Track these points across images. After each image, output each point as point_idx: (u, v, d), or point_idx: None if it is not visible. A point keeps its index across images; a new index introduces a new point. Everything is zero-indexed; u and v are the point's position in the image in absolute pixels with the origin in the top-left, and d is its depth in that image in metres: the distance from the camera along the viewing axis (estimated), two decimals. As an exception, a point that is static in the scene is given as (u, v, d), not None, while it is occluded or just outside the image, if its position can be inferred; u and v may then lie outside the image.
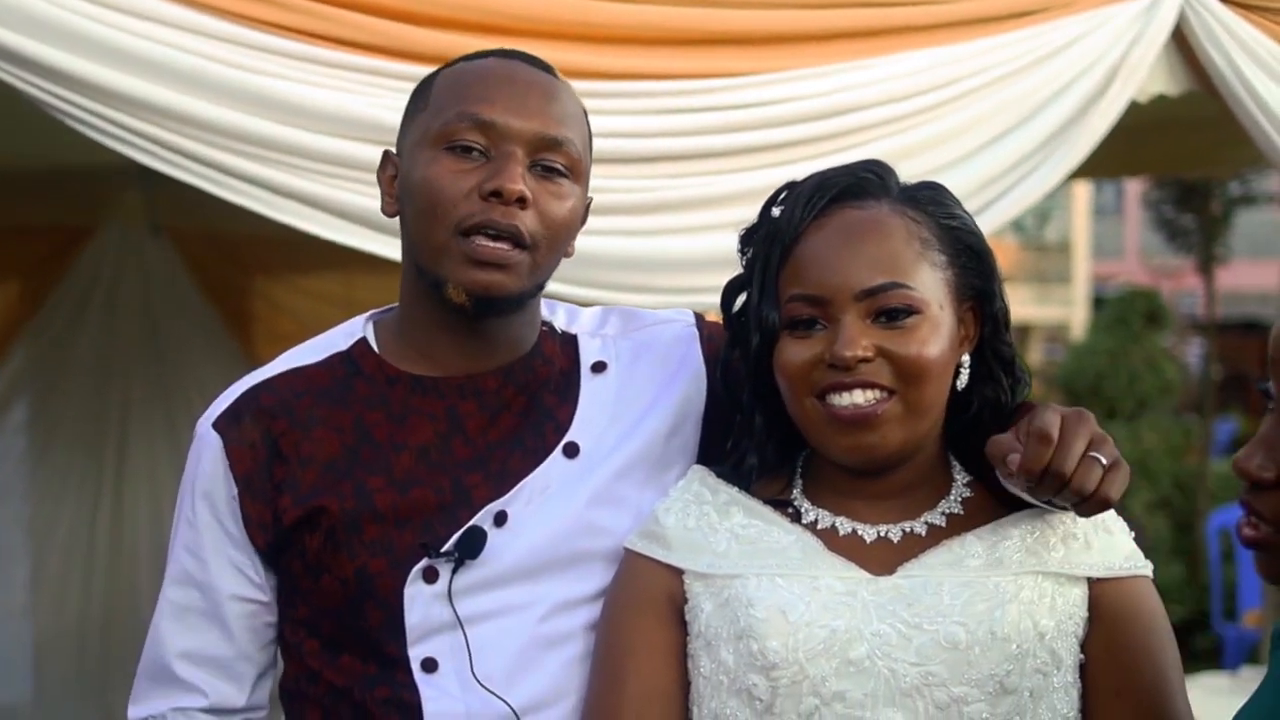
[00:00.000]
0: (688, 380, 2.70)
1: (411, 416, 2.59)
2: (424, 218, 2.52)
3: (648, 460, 2.64)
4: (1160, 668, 2.45)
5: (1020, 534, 2.44)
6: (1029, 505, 2.44)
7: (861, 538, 2.45)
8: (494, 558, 2.53)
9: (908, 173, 2.57)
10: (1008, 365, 2.53)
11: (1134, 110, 4.79)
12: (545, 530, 2.55)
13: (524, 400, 2.62)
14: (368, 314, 2.73)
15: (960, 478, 2.53)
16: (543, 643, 2.54)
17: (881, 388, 2.37)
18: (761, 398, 2.51)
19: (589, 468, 2.60)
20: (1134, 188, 25.56)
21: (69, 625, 7.43)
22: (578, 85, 3.43)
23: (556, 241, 2.56)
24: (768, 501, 2.51)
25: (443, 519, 2.53)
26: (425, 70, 2.80)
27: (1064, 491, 2.30)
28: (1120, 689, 2.43)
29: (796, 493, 2.52)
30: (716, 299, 2.61)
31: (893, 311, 2.38)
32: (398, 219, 2.65)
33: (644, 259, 3.91)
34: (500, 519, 2.54)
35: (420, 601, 2.52)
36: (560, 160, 2.55)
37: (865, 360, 2.36)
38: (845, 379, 2.36)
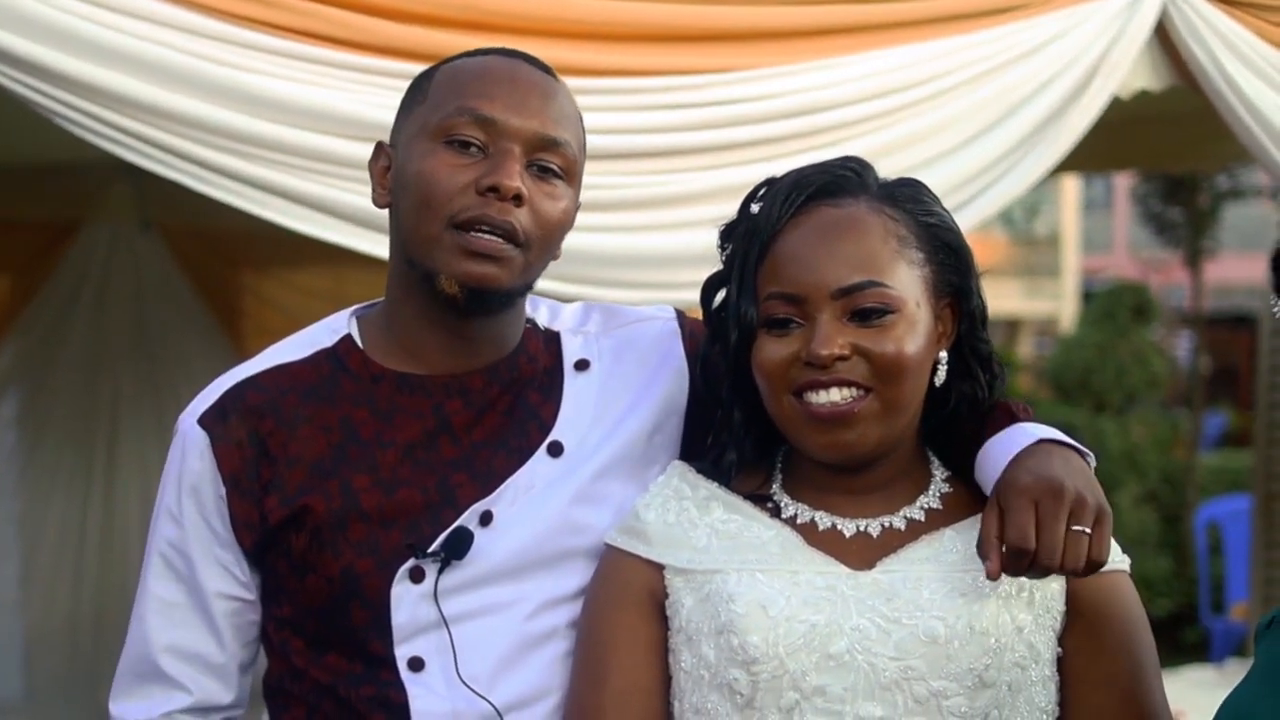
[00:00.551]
0: (670, 377, 2.71)
1: (398, 414, 2.59)
2: (419, 210, 2.52)
3: (630, 458, 2.65)
4: (1137, 661, 2.47)
5: None
6: None
7: (841, 533, 2.47)
8: (480, 557, 2.54)
9: (888, 169, 2.58)
10: (985, 361, 2.54)
11: (1120, 105, 4.79)
12: (530, 529, 2.56)
13: (509, 399, 2.63)
14: (351, 309, 2.72)
15: (938, 473, 2.54)
16: (528, 640, 2.55)
17: (858, 385, 2.38)
18: (740, 393, 2.52)
19: (573, 466, 2.61)
20: (1123, 182, 25.53)
21: (60, 621, 7.43)
22: (557, 82, 3.43)
23: (548, 241, 2.57)
24: (747, 496, 2.52)
25: (428, 518, 2.54)
26: (412, 67, 2.82)
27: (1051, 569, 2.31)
28: (1098, 682, 2.45)
29: (776, 487, 2.53)
30: (696, 295, 2.62)
31: (869, 310, 2.39)
32: (387, 212, 2.66)
33: (625, 255, 3.92)
34: (486, 519, 2.55)
35: (407, 601, 2.53)
36: (556, 161, 2.55)
37: (842, 358, 2.37)
38: (822, 377, 2.37)
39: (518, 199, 2.49)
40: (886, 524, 2.48)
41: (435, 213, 2.50)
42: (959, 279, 2.50)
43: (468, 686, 2.50)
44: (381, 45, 3.63)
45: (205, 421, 2.60)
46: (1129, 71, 4.61)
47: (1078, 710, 2.46)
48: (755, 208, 2.50)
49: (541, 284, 2.71)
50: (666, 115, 3.99)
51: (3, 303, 7.43)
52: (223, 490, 2.58)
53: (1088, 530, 2.30)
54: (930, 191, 2.56)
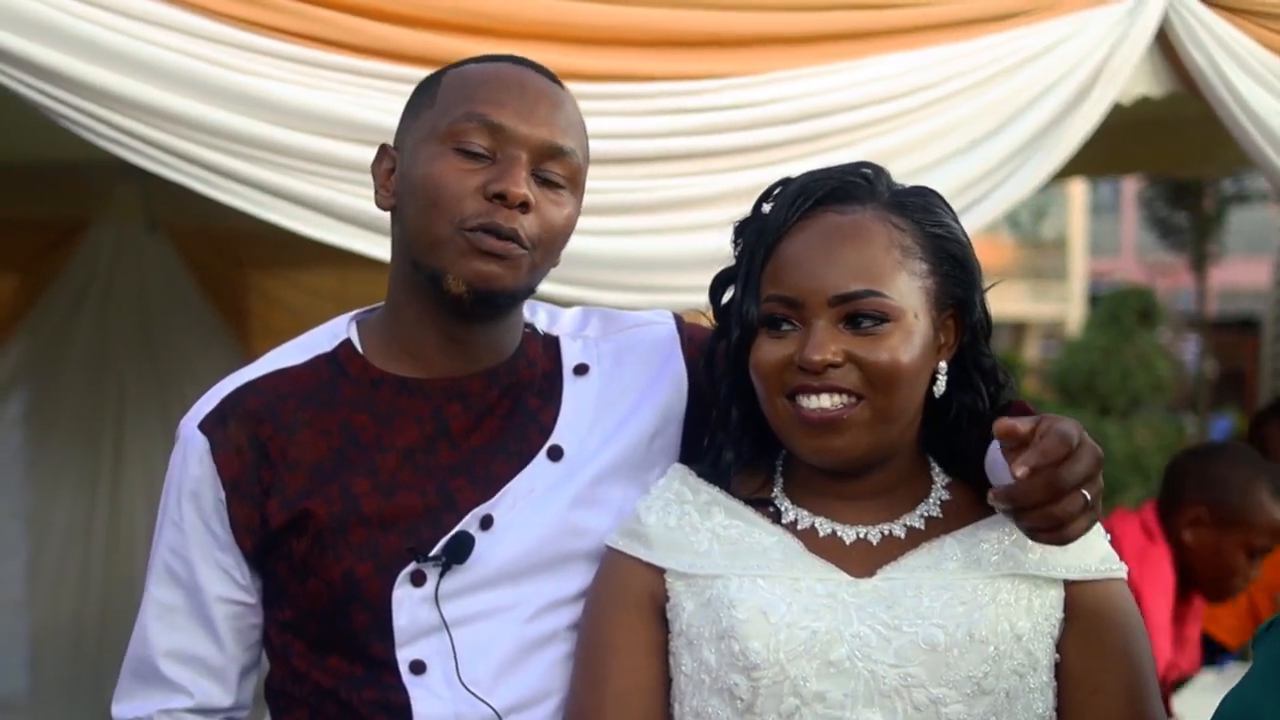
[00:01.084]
0: (669, 383, 2.72)
1: (397, 418, 2.60)
2: (426, 213, 2.53)
3: (630, 462, 2.66)
4: (1134, 668, 2.48)
5: (997, 537, 2.47)
6: None
7: (841, 539, 2.48)
8: (480, 561, 2.55)
9: (892, 174, 2.58)
10: (987, 373, 2.54)
11: (1123, 110, 4.80)
12: (530, 533, 2.57)
13: (508, 403, 2.64)
14: (351, 314, 2.74)
15: (939, 480, 2.55)
16: (529, 643, 2.57)
17: (849, 393, 2.39)
18: (739, 391, 2.53)
19: (572, 470, 2.62)
20: (1131, 186, 25.55)
21: (65, 618, 7.43)
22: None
23: (553, 247, 2.59)
24: (748, 500, 2.53)
25: (429, 522, 2.55)
26: (414, 71, 2.82)
27: (1042, 509, 2.31)
28: (1095, 689, 2.46)
29: (777, 491, 2.54)
30: (702, 298, 2.64)
31: (865, 318, 2.40)
32: (389, 215, 2.67)
33: (628, 258, 3.92)
34: (486, 523, 2.56)
35: (408, 604, 2.54)
36: (562, 170, 2.57)
37: (834, 365, 2.38)
38: (813, 382, 2.39)
39: (524, 206, 2.50)
40: (886, 531, 2.49)
41: (444, 216, 2.51)
42: (963, 291, 2.50)
43: (468, 690, 2.51)
44: (384, 50, 3.63)
45: (205, 426, 2.61)
46: (1130, 77, 4.60)
47: (1075, 716, 2.47)
48: (766, 207, 2.52)
49: (544, 287, 2.72)
50: (671, 120, 3.99)
51: (9, 302, 7.44)
52: (222, 494, 2.59)
53: (1089, 499, 2.32)
54: (943, 202, 2.56)
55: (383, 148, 2.68)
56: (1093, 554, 2.49)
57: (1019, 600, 2.43)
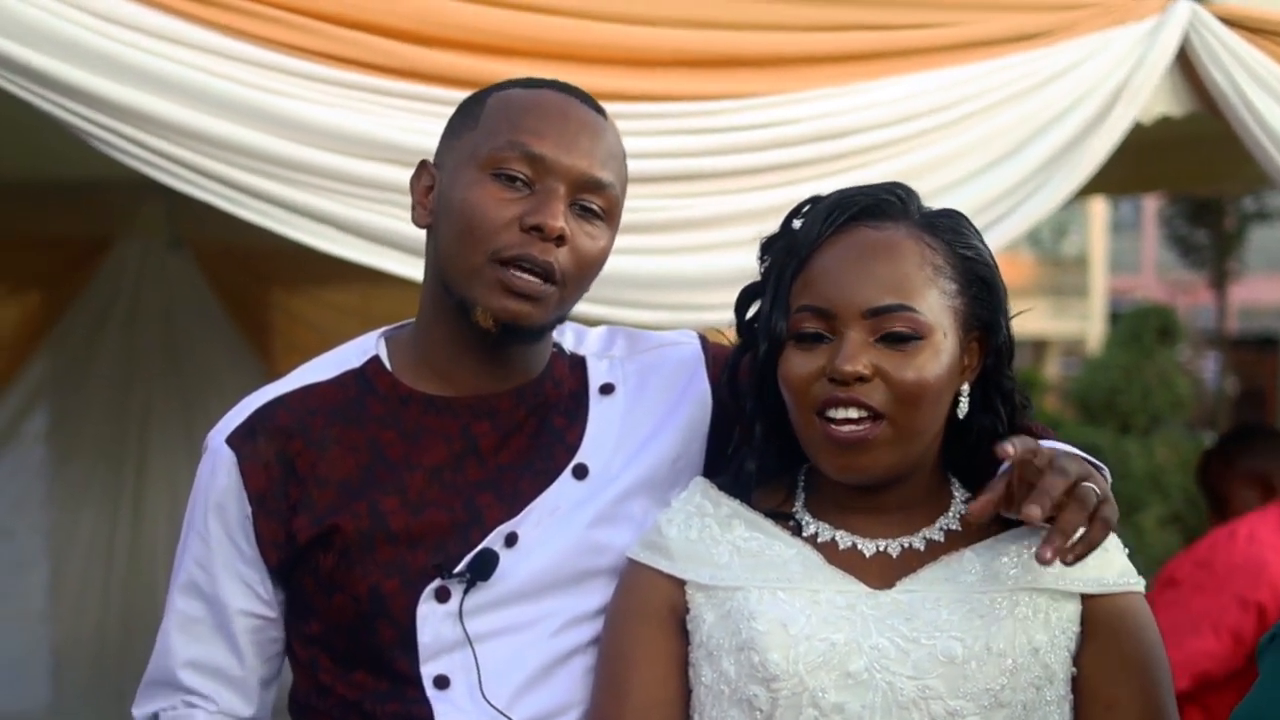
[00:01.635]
0: (693, 403, 2.74)
1: (425, 436, 2.62)
2: (461, 240, 2.54)
3: (653, 481, 2.68)
4: (1151, 682, 2.49)
5: (1016, 550, 2.48)
6: (1024, 523, 2.46)
7: (861, 552, 2.49)
8: (505, 578, 2.57)
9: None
10: (1007, 396, 2.55)
11: (1144, 129, 4.82)
12: (554, 550, 2.59)
13: (535, 422, 2.65)
14: (380, 331, 2.75)
15: (959, 495, 2.56)
16: (552, 658, 2.58)
17: (873, 411, 2.40)
18: (764, 404, 2.54)
19: (597, 489, 2.64)
20: (1151, 204, 25.53)
21: (88, 632, 7.45)
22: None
23: (584, 279, 2.61)
24: (769, 514, 2.54)
25: (455, 539, 2.57)
26: (441, 92, 2.84)
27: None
28: (1111, 703, 2.47)
29: (799, 505, 2.56)
30: (725, 316, 2.65)
31: (897, 334, 2.41)
32: (413, 232, 2.70)
33: (652, 277, 3.93)
34: (511, 540, 2.58)
35: (433, 620, 2.56)
36: (600, 202, 2.58)
37: (863, 379, 2.39)
38: (840, 394, 2.39)
39: (560, 239, 2.51)
40: (906, 544, 2.50)
41: (479, 245, 2.52)
42: (989, 314, 2.51)
43: (491, 705, 2.53)
44: (410, 70, 3.64)
45: (233, 441, 2.63)
46: (1150, 97, 4.60)
47: None
48: (797, 223, 2.53)
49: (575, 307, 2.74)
50: (694, 140, 4.00)
51: (34, 318, 7.46)
52: (249, 509, 2.61)
53: (1096, 490, 2.35)
54: (971, 225, 2.58)
55: (422, 164, 2.69)
56: (1111, 568, 2.50)
57: (1037, 614, 2.44)
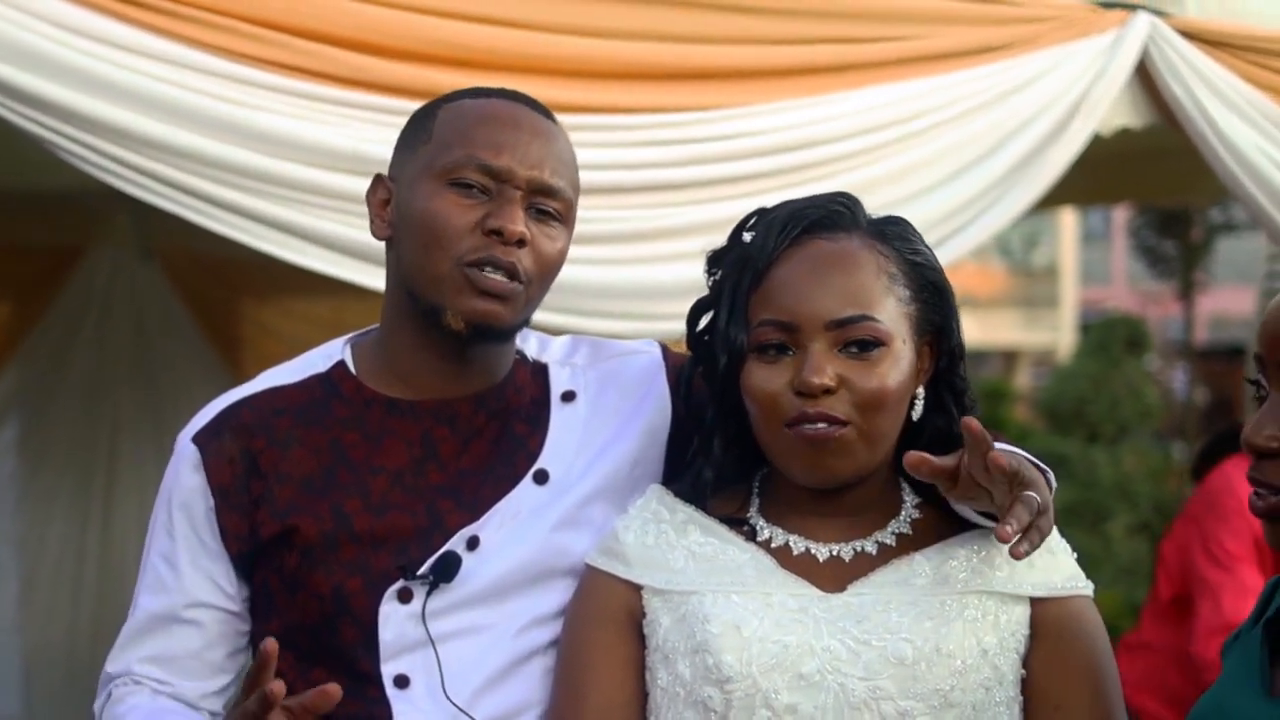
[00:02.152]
0: (653, 410, 2.77)
1: (387, 439, 2.66)
2: (427, 249, 2.60)
3: (613, 487, 2.71)
4: (1099, 683, 2.54)
5: (966, 554, 2.52)
6: (975, 526, 2.52)
7: (815, 556, 2.53)
8: (466, 580, 2.60)
9: (873, 204, 2.63)
10: (959, 397, 2.60)
11: (1108, 140, 4.86)
12: (515, 554, 2.63)
13: (496, 427, 2.69)
14: (346, 336, 2.79)
15: (909, 499, 2.60)
16: (512, 659, 2.62)
17: (839, 422, 2.44)
18: (724, 414, 2.58)
19: (557, 494, 2.68)
20: (1122, 214, 25.57)
21: (58, 641, 7.42)
22: (547, 119, 3.46)
23: (546, 279, 2.66)
24: (724, 520, 2.58)
25: (417, 542, 2.61)
26: (406, 104, 2.86)
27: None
28: (1060, 704, 2.51)
29: (753, 511, 2.59)
30: (682, 326, 2.68)
31: (860, 343, 2.45)
32: (380, 243, 2.73)
33: (612, 287, 3.96)
34: (473, 543, 2.62)
35: (394, 621, 2.59)
36: (556, 205, 2.64)
37: (828, 390, 2.43)
38: (810, 410, 2.43)
39: (521, 242, 2.57)
40: (859, 548, 2.54)
41: (444, 252, 2.58)
42: (941, 318, 2.56)
43: (452, 703, 2.57)
44: (376, 82, 3.67)
45: (199, 439, 2.67)
46: (1110, 109, 4.65)
47: None
48: (747, 236, 2.56)
49: (537, 315, 2.77)
50: (655, 151, 4.04)
51: (5, 327, 7.42)
52: (212, 502, 2.65)
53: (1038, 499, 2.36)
54: (915, 230, 2.62)
55: (378, 178, 2.73)
56: (1059, 572, 2.54)
57: (986, 616, 2.48)
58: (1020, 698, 2.52)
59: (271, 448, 2.65)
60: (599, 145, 3.91)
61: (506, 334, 2.66)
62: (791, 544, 2.54)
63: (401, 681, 2.59)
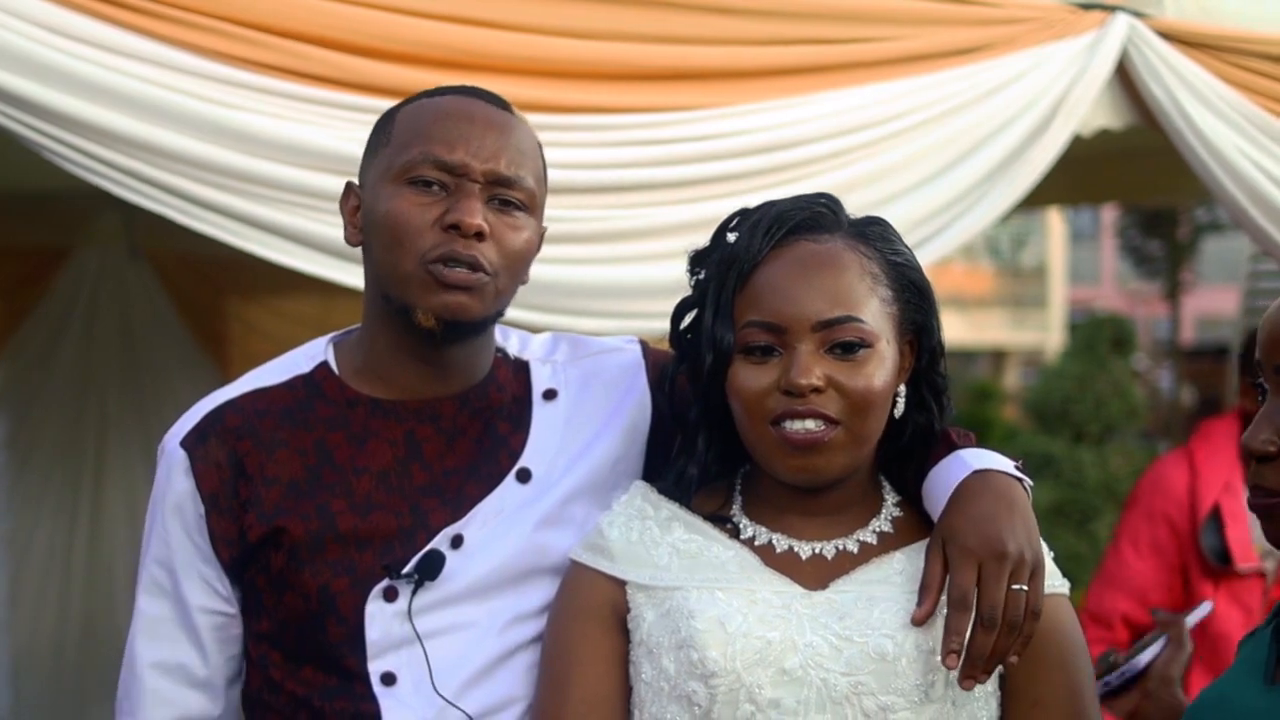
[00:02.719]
0: (634, 407, 2.80)
1: (371, 439, 2.68)
2: (390, 249, 2.62)
3: (595, 483, 2.74)
4: (1075, 680, 2.57)
5: None
6: None
7: (797, 554, 2.56)
8: (451, 578, 2.63)
9: (854, 205, 2.65)
10: (939, 394, 2.63)
11: (1090, 141, 4.87)
12: (498, 552, 2.65)
13: (479, 426, 2.72)
14: (329, 336, 2.81)
15: (890, 498, 2.64)
16: (497, 654, 2.65)
17: (828, 419, 2.47)
18: (708, 413, 2.60)
19: (540, 492, 2.70)
20: (1110, 214, 25.61)
21: (46, 639, 7.41)
22: (532, 118, 3.48)
23: (515, 270, 2.67)
24: (707, 517, 2.60)
25: (402, 541, 2.63)
26: (387, 104, 2.88)
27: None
28: (1037, 700, 2.54)
29: (736, 509, 2.62)
30: (665, 324, 2.69)
31: (846, 344, 2.47)
32: (361, 247, 2.75)
33: (595, 286, 3.98)
34: (457, 542, 2.64)
35: (380, 619, 2.62)
36: (517, 195, 2.65)
37: (816, 390, 2.45)
38: (798, 407, 2.45)
39: (480, 235, 2.59)
40: (840, 546, 2.56)
41: (407, 251, 2.60)
42: (922, 317, 2.58)
43: (441, 696, 2.59)
44: (362, 83, 3.68)
45: (186, 443, 2.69)
46: (1090, 110, 4.65)
47: None
48: (731, 237, 2.57)
49: (514, 313, 2.78)
50: (637, 151, 4.05)
51: (-7, 326, 7.47)
52: (202, 508, 2.67)
53: (1025, 587, 2.42)
54: (894, 230, 2.64)
55: (348, 185, 2.76)
56: (1036, 571, 2.57)
57: (964, 612, 2.50)
58: (998, 693, 2.56)
59: (257, 450, 2.68)
60: (579, 145, 3.93)
61: (479, 327, 2.67)
62: (775, 542, 2.57)
63: (388, 679, 2.62)
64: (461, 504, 2.67)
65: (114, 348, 7.45)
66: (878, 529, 2.60)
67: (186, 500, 2.69)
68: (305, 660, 2.66)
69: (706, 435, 2.62)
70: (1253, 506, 2.33)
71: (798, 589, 2.52)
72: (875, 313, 2.51)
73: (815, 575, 2.54)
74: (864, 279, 2.52)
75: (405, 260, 2.60)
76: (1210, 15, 4.84)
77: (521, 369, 2.81)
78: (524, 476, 2.71)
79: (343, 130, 3.68)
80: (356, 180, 2.76)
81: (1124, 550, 5.05)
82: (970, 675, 2.41)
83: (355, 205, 2.73)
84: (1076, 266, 38.50)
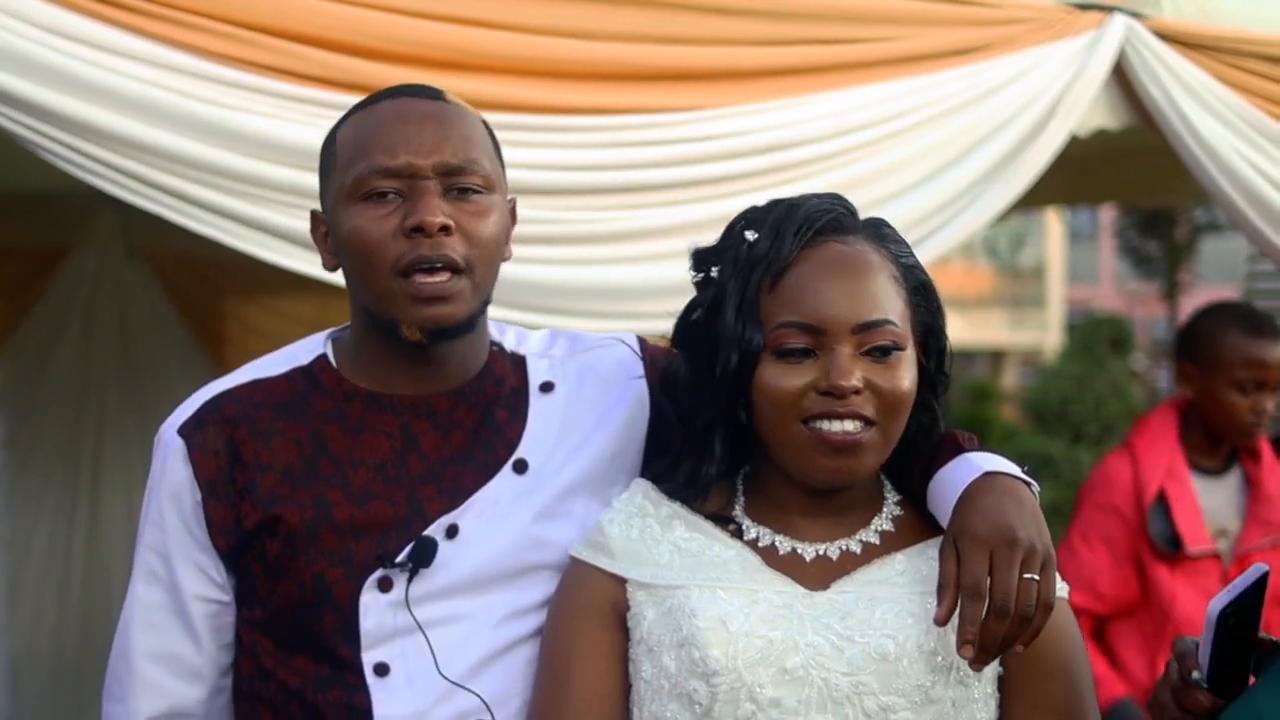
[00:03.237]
0: (631, 402, 2.80)
1: (367, 432, 2.69)
2: (362, 268, 2.64)
3: (593, 478, 2.74)
4: (1073, 682, 2.59)
5: None
6: None
7: (801, 556, 2.57)
8: (446, 568, 2.64)
9: (852, 203, 2.64)
10: (941, 394, 2.65)
11: (1087, 141, 4.87)
12: (495, 543, 2.66)
13: (476, 417, 2.72)
14: (328, 331, 2.83)
15: (891, 496, 2.65)
16: (494, 649, 2.65)
17: (865, 420, 2.48)
18: (725, 413, 2.58)
19: (537, 484, 2.71)
20: (1109, 214, 25.63)
21: (45, 639, 7.40)
22: (528, 120, 3.50)
23: (490, 256, 2.67)
24: (709, 517, 2.61)
25: (398, 531, 2.64)
26: (384, 104, 2.88)
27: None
28: (1036, 702, 2.56)
29: (738, 510, 2.62)
30: (662, 325, 2.70)
31: (882, 348, 2.49)
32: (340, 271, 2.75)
33: (593, 287, 3.97)
34: (452, 532, 2.65)
35: (375, 609, 2.63)
36: (473, 180, 2.65)
37: (856, 391, 2.46)
38: (839, 408, 2.46)
39: (445, 230, 2.59)
40: (844, 546, 2.57)
41: (378, 266, 2.61)
42: (930, 319, 2.60)
43: (445, 678, 2.60)
44: (359, 84, 3.62)
45: (184, 431, 2.70)
46: (1087, 111, 4.65)
47: None
48: (750, 235, 2.56)
49: (511, 314, 2.79)
50: (637, 152, 4.04)
51: (-8, 326, 7.47)
52: (199, 496, 2.68)
53: (1037, 577, 2.42)
54: (896, 231, 2.66)
55: (314, 215, 2.78)
56: (1035, 573, 2.58)
57: (964, 614, 2.51)
58: (998, 695, 2.57)
59: (254, 438, 2.68)
60: (579, 146, 3.93)
61: (467, 327, 2.67)
62: (778, 543, 2.58)
63: (381, 669, 2.63)
64: (458, 494, 2.68)
65: (112, 347, 7.45)
66: (880, 528, 2.61)
67: (184, 488, 2.69)
68: (298, 650, 2.67)
69: (724, 435, 2.61)
70: None
71: (799, 589, 2.53)
72: (901, 315, 2.53)
73: (817, 575, 2.55)
74: (892, 282, 2.54)
75: (378, 276, 2.62)
76: (1208, 16, 4.84)
77: (519, 363, 2.82)
78: (520, 467, 2.72)
79: (337, 130, 3.67)
80: (319, 207, 2.77)
81: (1074, 543, 5.11)
82: (978, 660, 2.41)
83: (324, 231, 2.74)
84: (1075, 267, 38.53)
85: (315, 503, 2.65)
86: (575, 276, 3.92)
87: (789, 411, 2.49)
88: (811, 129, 4.23)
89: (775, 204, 2.60)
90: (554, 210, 3.72)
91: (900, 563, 2.56)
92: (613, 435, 2.79)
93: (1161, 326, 26.01)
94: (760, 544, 2.58)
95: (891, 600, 2.51)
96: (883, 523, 2.61)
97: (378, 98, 2.75)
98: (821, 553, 2.57)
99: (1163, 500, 5.03)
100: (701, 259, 2.63)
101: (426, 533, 2.64)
